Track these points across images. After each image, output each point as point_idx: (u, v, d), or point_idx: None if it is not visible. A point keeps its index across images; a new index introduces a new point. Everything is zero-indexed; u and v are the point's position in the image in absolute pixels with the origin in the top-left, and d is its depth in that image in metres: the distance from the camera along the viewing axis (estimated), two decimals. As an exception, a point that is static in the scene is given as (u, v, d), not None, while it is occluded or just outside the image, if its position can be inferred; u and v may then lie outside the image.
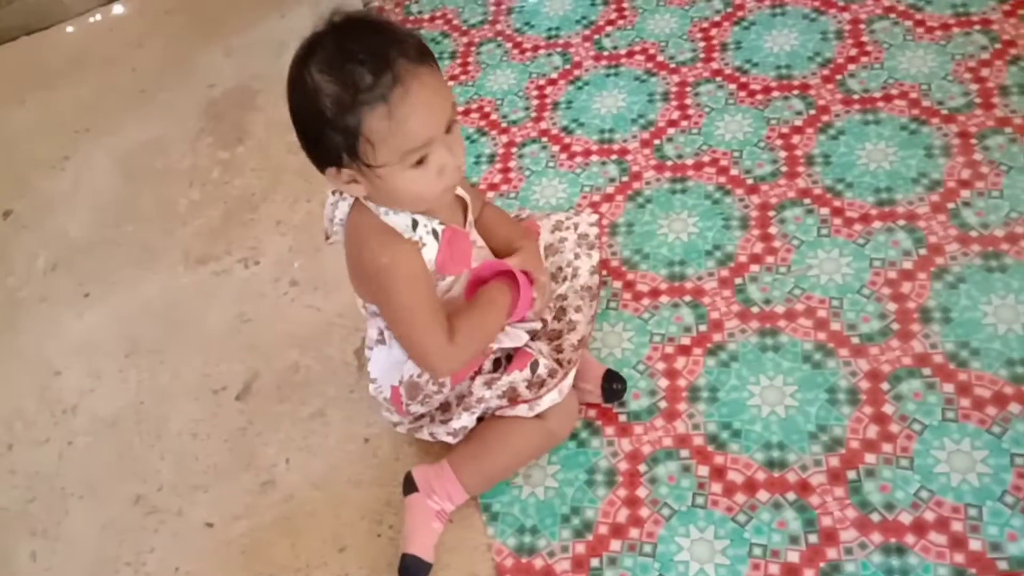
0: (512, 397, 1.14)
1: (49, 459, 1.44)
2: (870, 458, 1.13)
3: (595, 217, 1.34)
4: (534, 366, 1.14)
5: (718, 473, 1.16)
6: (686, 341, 1.29)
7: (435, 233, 1.05)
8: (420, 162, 0.96)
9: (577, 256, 1.28)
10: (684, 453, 1.19)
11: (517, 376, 1.14)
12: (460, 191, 1.13)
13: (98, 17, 2.31)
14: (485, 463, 1.16)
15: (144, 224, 1.74)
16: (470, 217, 1.15)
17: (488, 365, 1.18)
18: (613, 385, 1.22)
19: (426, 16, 1.96)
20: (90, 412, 1.48)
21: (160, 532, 1.31)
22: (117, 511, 1.35)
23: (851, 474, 1.12)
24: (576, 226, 1.31)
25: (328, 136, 0.94)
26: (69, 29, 2.30)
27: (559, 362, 1.18)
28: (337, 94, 0.91)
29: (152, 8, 2.28)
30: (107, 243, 1.74)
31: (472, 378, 1.16)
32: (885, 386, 1.19)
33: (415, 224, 1.04)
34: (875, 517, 1.09)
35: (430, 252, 1.05)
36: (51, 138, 2.00)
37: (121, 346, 1.56)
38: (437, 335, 1.04)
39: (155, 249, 1.69)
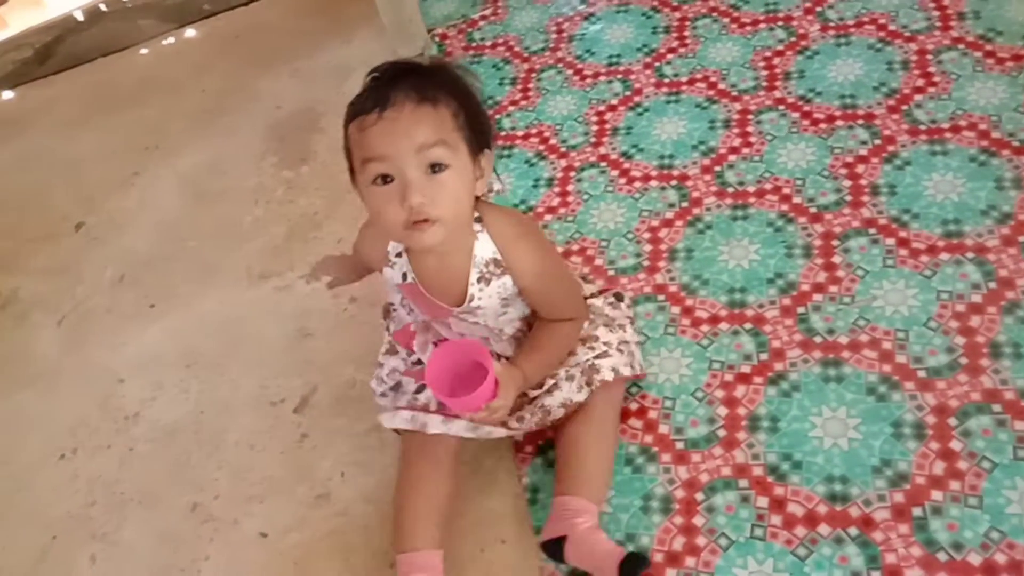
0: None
1: (110, 465, 1.48)
2: (936, 495, 1.10)
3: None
4: None
5: (778, 505, 1.14)
6: (746, 369, 1.28)
7: (404, 275, 1.14)
8: (387, 181, 1.00)
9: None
10: (743, 483, 1.16)
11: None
12: (488, 295, 1.12)
13: (171, 40, 2.40)
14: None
15: (208, 240, 1.79)
16: (467, 306, 1.12)
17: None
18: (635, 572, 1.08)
19: (488, 43, 1.99)
20: (151, 420, 1.52)
21: (215, 541, 1.32)
22: (174, 518, 1.37)
23: (916, 511, 1.09)
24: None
25: (345, 147, 1.06)
26: (143, 51, 2.40)
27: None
28: (348, 110, 1.03)
29: (221, 33, 2.36)
30: (172, 258, 1.79)
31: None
32: (953, 421, 1.16)
33: (399, 253, 1.14)
34: (942, 556, 1.05)
35: (392, 275, 1.16)
36: (122, 156, 2.07)
37: (183, 357, 1.59)
38: None
39: (218, 264, 1.73)
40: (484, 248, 1.10)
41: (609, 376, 1.19)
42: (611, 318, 1.26)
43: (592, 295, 1.30)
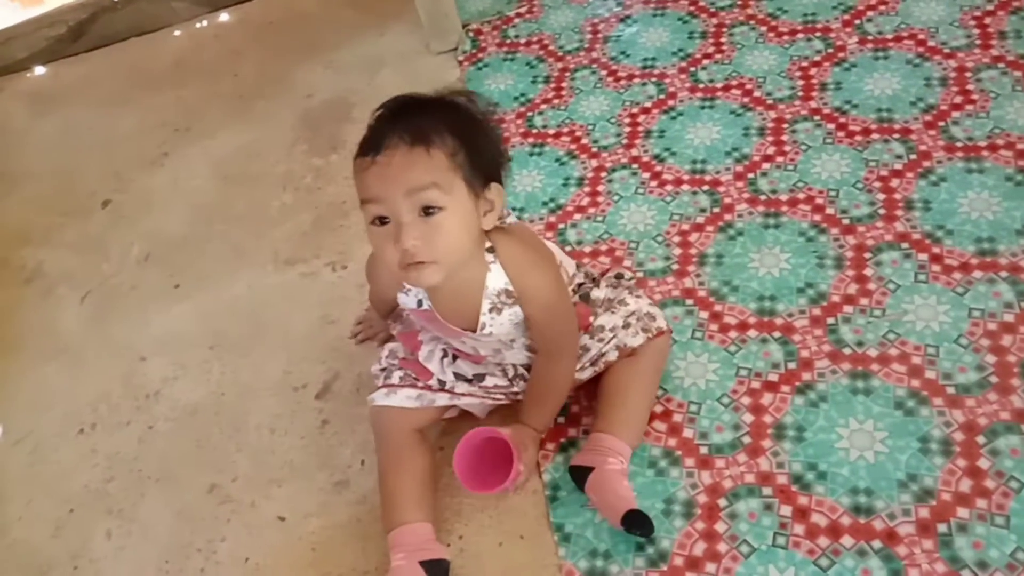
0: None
1: (130, 442, 1.48)
2: (962, 512, 1.09)
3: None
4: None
5: (801, 514, 1.13)
6: (774, 377, 1.27)
7: (419, 302, 1.17)
8: (384, 222, 1.02)
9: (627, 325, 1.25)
10: (767, 491, 1.16)
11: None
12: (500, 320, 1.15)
13: (204, 23, 2.41)
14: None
15: (236, 224, 1.79)
16: (480, 332, 1.15)
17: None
18: (633, 530, 1.11)
19: (522, 40, 1.99)
20: (172, 400, 1.52)
21: (232, 522, 1.32)
22: (192, 498, 1.37)
23: (942, 527, 1.08)
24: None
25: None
26: (176, 33, 2.41)
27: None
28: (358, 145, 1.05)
29: (256, 18, 2.37)
30: (199, 239, 1.79)
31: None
32: (981, 440, 1.15)
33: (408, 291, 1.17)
34: (966, 574, 1.04)
35: (407, 301, 1.18)
36: (152, 136, 2.08)
37: (206, 339, 1.59)
38: None
39: (245, 248, 1.73)
40: (496, 279, 1.12)
41: (614, 356, 1.22)
42: (610, 300, 1.27)
43: (593, 278, 1.32)
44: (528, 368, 1.26)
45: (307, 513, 1.30)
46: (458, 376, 1.26)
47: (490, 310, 1.13)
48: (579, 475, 1.19)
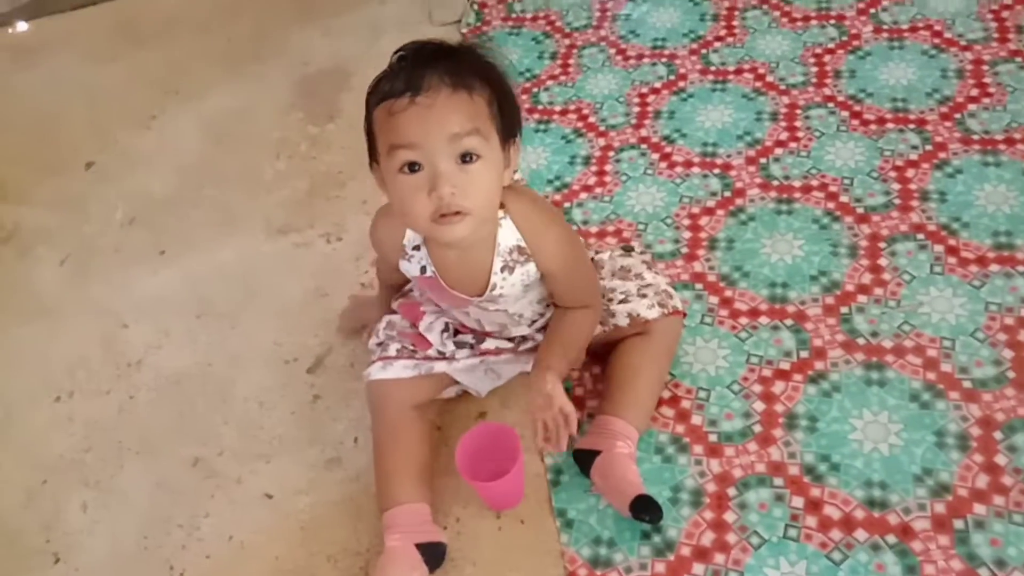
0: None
1: (109, 411, 1.41)
2: (979, 509, 1.06)
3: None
4: None
5: (813, 506, 1.09)
6: (785, 366, 1.23)
7: (423, 268, 1.11)
8: (414, 170, 0.94)
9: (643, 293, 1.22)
10: (778, 481, 1.12)
11: None
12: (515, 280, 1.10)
13: (197, -16, 2.32)
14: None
15: (227, 188, 1.72)
16: (489, 294, 1.10)
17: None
18: (642, 515, 1.07)
19: (528, 15, 1.93)
20: (155, 368, 1.45)
21: (217, 498, 1.26)
22: (174, 471, 1.31)
23: (958, 523, 1.05)
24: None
25: (367, 129, 1.01)
26: (167, -7, 2.31)
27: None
28: (372, 90, 0.98)
29: (252, -20, 2.28)
30: (188, 203, 1.72)
31: None
32: (998, 435, 1.12)
33: (417, 246, 1.09)
34: (983, 572, 1.01)
35: (409, 268, 1.12)
36: (140, 96, 2.00)
37: (193, 307, 1.53)
38: None
39: (236, 214, 1.66)
40: (508, 236, 1.07)
41: (624, 321, 1.18)
42: (624, 269, 1.24)
43: (597, 251, 1.29)
44: (536, 332, 1.21)
45: (296, 490, 1.24)
46: (459, 345, 1.21)
47: (502, 269, 1.08)
48: (584, 459, 1.14)
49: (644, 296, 1.19)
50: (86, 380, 1.47)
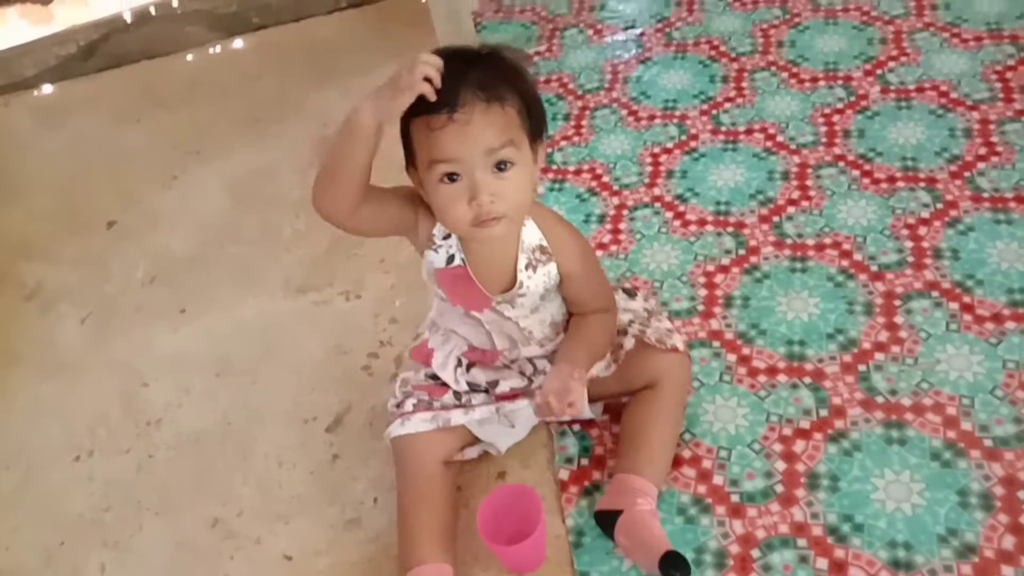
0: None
1: (128, 470, 1.42)
2: (1007, 571, 1.05)
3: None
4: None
5: (838, 567, 1.08)
6: (805, 424, 1.23)
7: (451, 258, 1.12)
8: (453, 179, 0.99)
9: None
10: (802, 542, 1.12)
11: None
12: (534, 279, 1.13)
13: (218, 49, 2.39)
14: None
15: (247, 247, 1.75)
16: (514, 292, 1.13)
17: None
18: (672, 572, 1.04)
19: (542, 78, 1.98)
20: (175, 427, 1.46)
21: (236, 559, 1.26)
22: (193, 531, 1.31)
23: (985, 586, 1.04)
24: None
25: (403, 136, 1.04)
26: (189, 57, 2.38)
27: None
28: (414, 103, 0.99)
29: (271, 45, 2.35)
30: (208, 262, 1.74)
31: None
32: (1022, 495, 1.12)
33: (447, 236, 1.12)
34: (1012, 637, 1.00)
35: (436, 259, 1.13)
36: (162, 157, 2.04)
37: (213, 365, 1.54)
38: None
39: (256, 273, 1.69)
40: (531, 234, 1.12)
41: (630, 345, 1.21)
42: (626, 310, 1.28)
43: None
44: (544, 359, 1.24)
45: (316, 551, 1.24)
46: (472, 387, 1.23)
47: (526, 266, 1.12)
48: (607, 520, 1.14)
49: (647, 326, 1.24)
50: (106, 438, 1.47)
